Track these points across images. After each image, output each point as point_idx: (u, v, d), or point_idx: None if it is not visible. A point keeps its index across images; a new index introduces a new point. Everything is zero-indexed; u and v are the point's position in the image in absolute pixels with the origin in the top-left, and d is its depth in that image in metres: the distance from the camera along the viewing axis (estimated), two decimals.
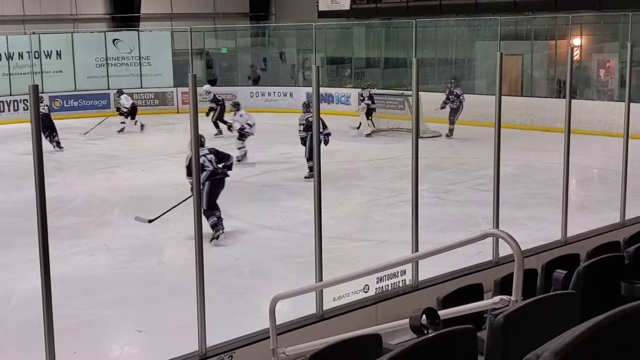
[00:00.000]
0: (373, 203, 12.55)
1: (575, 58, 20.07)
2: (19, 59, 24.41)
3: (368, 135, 19.75)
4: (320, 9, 27.77)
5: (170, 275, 9.20)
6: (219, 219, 10.57)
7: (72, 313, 7.71)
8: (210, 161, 10.64)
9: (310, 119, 13.93)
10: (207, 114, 19.84)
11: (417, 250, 6.68)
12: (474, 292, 5.21)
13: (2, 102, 23.62)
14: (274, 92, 26.37)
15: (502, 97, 7.48)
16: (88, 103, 24.91)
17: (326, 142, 13.57)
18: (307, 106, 14.87)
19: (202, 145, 10.86)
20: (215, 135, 19.54)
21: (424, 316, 3.68)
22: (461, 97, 19.55)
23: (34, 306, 6.97)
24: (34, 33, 24.73)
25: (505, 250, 7.08)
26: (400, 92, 21.37)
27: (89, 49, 25.72)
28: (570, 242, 7.97)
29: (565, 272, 4.56)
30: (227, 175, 10.80)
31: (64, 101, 24.69)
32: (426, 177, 12.17)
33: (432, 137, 19.14)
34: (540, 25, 22.72)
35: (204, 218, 8.39)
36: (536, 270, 5.33)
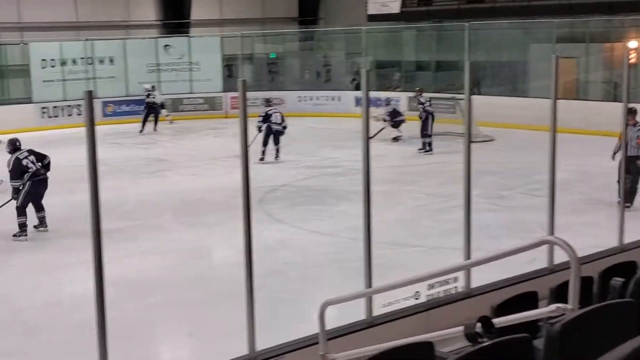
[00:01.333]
0: (423, 208, 12.43)
1: (631, 61, 19.66)
2: (73, 64, 24.85)
3: (394, 139, 19.49)
4: (369, 13, 27.70)
5: (220, 279, 9.23)
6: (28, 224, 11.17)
7: (124, 315, 7.77)
8: (32, 162, 11.22)
9: (269, 112, 17.16)
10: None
11: (469, 257, 6.57)
12: (529, 300, 5.11)
13: (57, 107, 24.07)
14: (322, 96, 26.39)
15: (557, 100, 7.33)
16: (139, 108, 25.18)
17: (282, 133, 17.13)
18: (267, 101, 18.20)
19: (19, 148, 11.40)
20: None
21: (478, 324, 3.61)
22: (426, 105, 18.34)
23: (86, 308, 7.04)
24: (87, 39, 25.16)
25: (559, 257, 6.93)
26: (451, 95, 21.17)
27: (141, 54, 26.07)
28: (628, 249, 7.76)
29: (622, 280, 4.44)
30: (46, 175, 11.43)
31: (116, 106, 25.03)
32: (478, 182, 11.90)
33: (485, 141, 18.91)
34: (596, 27, 22.32)
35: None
36: (592, 278, 5.20)
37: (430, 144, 18.00)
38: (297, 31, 31.11)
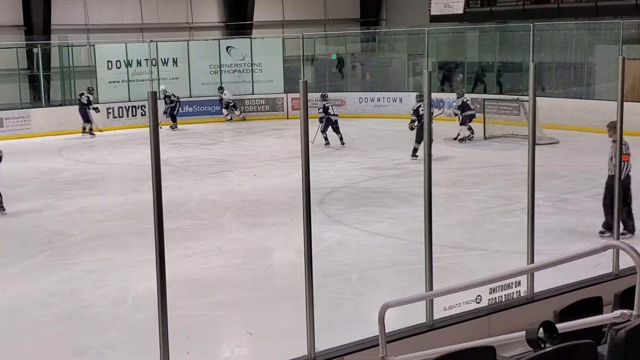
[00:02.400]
0: (486, 211, 12.27)
1: None
2: (137, 66, 25.28)
3: (460, 140, 19.30)
4: (432, 14, 27.51)
5: (280, 279, 9.28)
6: None
7: (185, 313, 7.88)
8: None
9: (326, 105, 19.16)
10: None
11: (532, 261, 6.47)
12: (593, 306, 5.00)
13: (121, 107, 24.53)
14: (384, 98, 26.30)
15: (624, 103, 7.17)
16: (202, 109, 25.54)
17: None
18: (323, 97, 19.99)
19: None
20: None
21: (541, 329, 3.56)
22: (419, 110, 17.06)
23: (148, 306, 7.17)
24: (151, 41, 25.58)
25: (625, 262, 6.79)
26: (516, 97, 20.88)
27: (204, 56, 26.38)
28: None
29: None
30: None
31: (179, 107, 25.38)
32: (542, 185, 11.81)
33: (549, 144, 18.59)
34: None
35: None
36: None
37: (416, 150, 16.87)
38: (359, 32, 31.08)
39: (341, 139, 19.24)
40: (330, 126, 19.22)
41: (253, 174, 16.03)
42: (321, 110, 19.32)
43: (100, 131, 23.22)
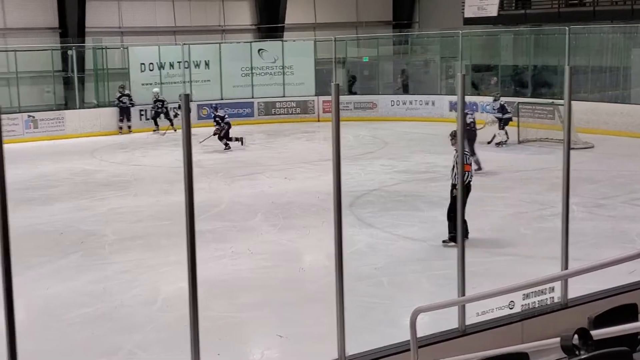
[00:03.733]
0: (519, 216, 12.14)
1: None
2: (170, 68, 25.44)
3: (497, 144, 19.11)
4: (466, 16, 27.32)
5: (310, 282, 9.26)
6: None
7: (215, 315, 7.89)
8: None
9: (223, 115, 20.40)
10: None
11: (566, 266, 6.39)
12: (628, 313, 4.91)
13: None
14: (416, 101, 26.18)
15: None
16: (233, 111, 25.61)
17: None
18: (215, 109, 21.16)
19: None
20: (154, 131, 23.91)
21: (575, 336, 3.50)
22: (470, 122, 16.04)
23: (178, 307, 7.19)
24: (184, 44, 25.74)
25: None
26: (550, 101, 20.65)
27: (236, 59, 26.45)
28: None
29: None
30: None
31: (211, 109, 25.47)
32: (577, 190, 11.67)
33: (584, 148, 18.37)
34: None
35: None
36: None
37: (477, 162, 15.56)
38: (391, 35, 30.99)
39: (239, 139, 20.36)
40: (228, 130, 20.25)
41: (284, 176, 16.04)
42: (226, 118, 20.29)
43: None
